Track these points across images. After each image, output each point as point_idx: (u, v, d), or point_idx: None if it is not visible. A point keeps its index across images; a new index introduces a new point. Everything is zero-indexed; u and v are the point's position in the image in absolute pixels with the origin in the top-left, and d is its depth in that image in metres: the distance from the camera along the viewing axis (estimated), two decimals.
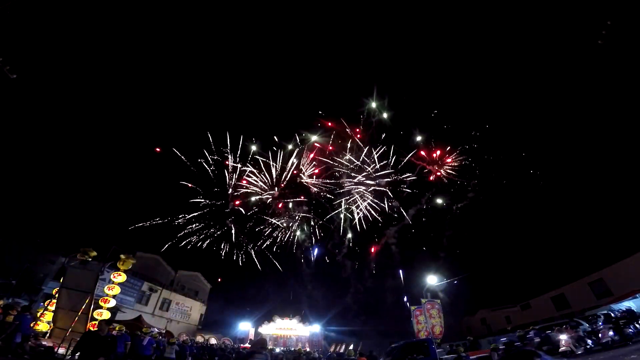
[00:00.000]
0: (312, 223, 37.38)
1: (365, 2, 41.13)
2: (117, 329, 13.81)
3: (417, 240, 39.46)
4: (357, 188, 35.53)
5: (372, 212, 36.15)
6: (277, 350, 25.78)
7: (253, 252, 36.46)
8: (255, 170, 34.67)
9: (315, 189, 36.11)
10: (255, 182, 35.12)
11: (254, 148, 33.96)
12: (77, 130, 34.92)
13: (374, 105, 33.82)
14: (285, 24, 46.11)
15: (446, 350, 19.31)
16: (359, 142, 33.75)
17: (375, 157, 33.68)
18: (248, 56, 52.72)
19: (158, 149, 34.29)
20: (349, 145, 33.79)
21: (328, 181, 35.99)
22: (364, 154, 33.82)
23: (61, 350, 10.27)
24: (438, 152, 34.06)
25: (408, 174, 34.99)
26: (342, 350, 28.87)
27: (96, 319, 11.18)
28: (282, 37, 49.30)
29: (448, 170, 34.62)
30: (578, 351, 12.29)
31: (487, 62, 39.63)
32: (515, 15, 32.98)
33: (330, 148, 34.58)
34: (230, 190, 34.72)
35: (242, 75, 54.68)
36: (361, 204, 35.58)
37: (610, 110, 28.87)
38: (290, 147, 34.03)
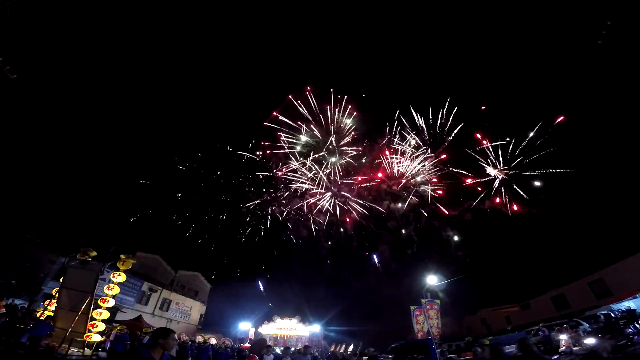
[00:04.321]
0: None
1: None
2: (117, 328, 13.83)
3: (418, 240, 39.50)
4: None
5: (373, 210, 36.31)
6: (277, 350, 25.74)
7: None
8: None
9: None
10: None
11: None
12: (77, 130, 34.96)
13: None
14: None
15: (446, 349, 19.33)
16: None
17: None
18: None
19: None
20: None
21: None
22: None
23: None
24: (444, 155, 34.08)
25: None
26: (341, 350, 28.84)
27: (96, 319, 11.18)
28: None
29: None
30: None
31: (486, 62, 39.62)
32: (515, 15, 32.98)
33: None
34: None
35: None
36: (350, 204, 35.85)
37: (610, 110, 28.88)
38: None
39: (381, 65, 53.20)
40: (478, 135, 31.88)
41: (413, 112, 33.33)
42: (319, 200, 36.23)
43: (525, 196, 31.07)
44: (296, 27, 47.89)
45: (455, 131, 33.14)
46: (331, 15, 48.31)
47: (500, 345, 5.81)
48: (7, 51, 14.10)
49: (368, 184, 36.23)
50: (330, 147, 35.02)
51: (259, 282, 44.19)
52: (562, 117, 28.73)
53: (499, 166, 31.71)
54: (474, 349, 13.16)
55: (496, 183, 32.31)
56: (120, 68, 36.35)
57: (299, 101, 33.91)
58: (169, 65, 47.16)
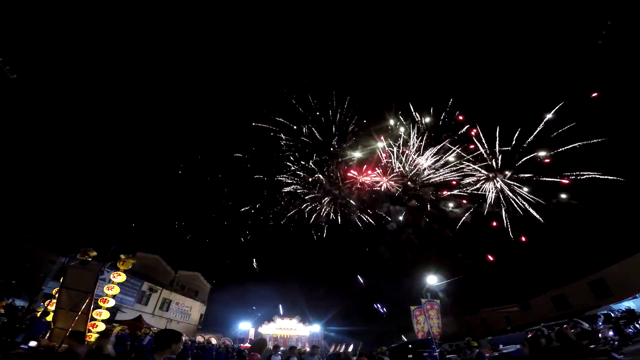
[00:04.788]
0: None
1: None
2: (118, 329, 13.83)
3: (418, 240, 39.49)
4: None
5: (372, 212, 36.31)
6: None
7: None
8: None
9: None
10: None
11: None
12: (77, 130, 34.94)
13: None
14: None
15: (446, 349, 19.33)
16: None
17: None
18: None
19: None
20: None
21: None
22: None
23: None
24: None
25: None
26: (341, 350, 28.83)
27: (96, 319, 11.18)
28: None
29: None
30: None
31: (486, 63, 39.62)
32: (515, 15, 32.98)
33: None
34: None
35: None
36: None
37: (609, 109, 28.85)
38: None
39: (380, 66, 53.24)
40: (474, 135, 31.71)
41: (414, 112, 33.36)
42: (320, 202, 36.26)
43: (528, 208, 30.78)
44: (297, 30, 47.90)
45: (456, 137, 33.14)
46: (332, 17, 48.35)
47: (568, 330, 5.57)
48: (7, 51, 14.11)
49: (370, 186, 36.24)
50: (332, 149, 35.04)
51: (259, 282, 44.23)
52: (595, 94, 26.21)
53: (495, 165, 31.63)
54: (464, 350, 13.09)
55: (491, 194, 32.08)
56: (121, 68, 36.37)
57: (298, 102, 33.98)
58: (170, 63, 47.19)
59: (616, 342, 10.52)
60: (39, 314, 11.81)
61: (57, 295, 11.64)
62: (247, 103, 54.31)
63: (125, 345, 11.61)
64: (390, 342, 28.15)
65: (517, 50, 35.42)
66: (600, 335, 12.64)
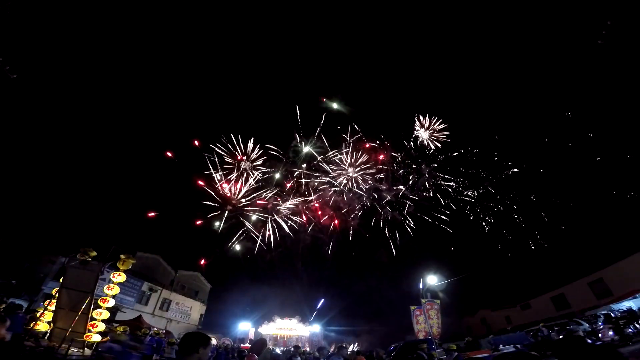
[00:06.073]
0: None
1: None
2: (120, 329, 13.84)
3: (417, 240, 39.42)
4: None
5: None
6: (277, 350, 25.75)
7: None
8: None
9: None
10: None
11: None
12: (77, 131, 34.95)
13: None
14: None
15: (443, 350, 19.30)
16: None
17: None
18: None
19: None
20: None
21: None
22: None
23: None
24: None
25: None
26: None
27: (96, 319, 11.17)
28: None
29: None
30: None
31: (485, 63, 39.65)
32: (515, 15, 33.01)
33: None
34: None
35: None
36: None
37: (609, 110, 28.87)
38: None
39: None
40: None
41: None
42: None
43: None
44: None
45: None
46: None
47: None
48: (7, 51, 14.12)
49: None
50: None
51: (259, 282, 44.19)
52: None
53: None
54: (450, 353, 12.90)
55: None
56: (122, 67, 36.37)
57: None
58: (170, 62, 47.20)
59: (616, 343, 10.52)
60: (38, 314, 11.80)
61: (57, 295, 11.64)
62: (251, 106, 54.35)
63: (159, 349, 11.54)
64: (391, 342, 28.17)
65: (516, 53, 35.46)
66: (600, 335, 12.68)
